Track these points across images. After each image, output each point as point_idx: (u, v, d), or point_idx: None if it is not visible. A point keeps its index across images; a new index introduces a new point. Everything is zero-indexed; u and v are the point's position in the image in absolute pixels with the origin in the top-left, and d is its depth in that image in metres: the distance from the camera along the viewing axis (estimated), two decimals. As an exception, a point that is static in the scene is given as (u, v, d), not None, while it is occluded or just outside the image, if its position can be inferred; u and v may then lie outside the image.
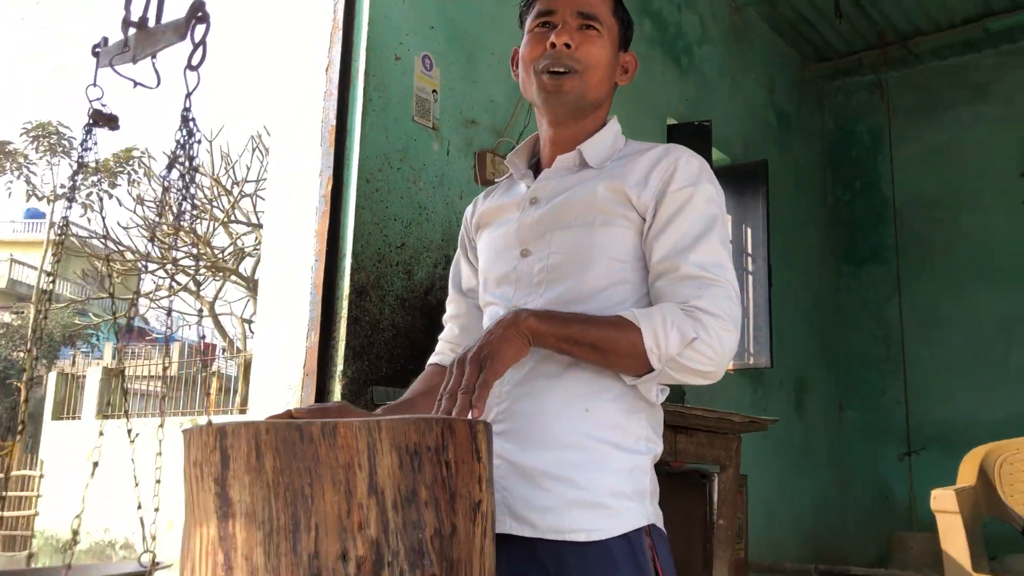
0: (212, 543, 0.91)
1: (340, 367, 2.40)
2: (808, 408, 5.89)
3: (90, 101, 1.15)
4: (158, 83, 1.19)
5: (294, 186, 2.58)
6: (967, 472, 2.97)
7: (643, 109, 4.13)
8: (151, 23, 1.14)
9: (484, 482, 1.03)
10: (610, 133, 1.47)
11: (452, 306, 1.64)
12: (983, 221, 6.01)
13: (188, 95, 0.99)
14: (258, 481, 0.90)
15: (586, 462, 1.26)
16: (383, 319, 2.53)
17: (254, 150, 13.18)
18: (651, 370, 1.23)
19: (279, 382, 2.50)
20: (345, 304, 2.44)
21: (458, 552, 0.98)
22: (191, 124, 1.01)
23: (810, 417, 5.92)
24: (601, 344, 1.23)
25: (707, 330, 1.22)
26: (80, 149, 1.25)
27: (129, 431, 1.53)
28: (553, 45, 1.40)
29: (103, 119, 1.22)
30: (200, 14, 1.07)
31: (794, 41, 6.08)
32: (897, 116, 6.43)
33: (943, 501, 2.72)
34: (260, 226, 12.26)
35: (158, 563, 1.32)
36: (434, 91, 2.81)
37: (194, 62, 0.99)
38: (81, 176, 1.40)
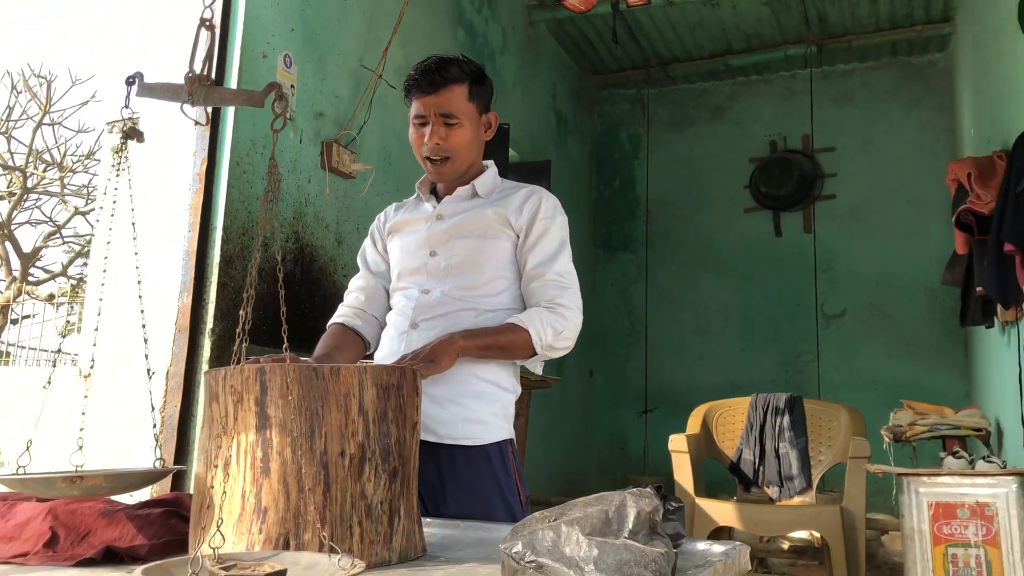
0: (252, 445, 1.29)
1: (210, 325, 2.70)
2: (565, 372, 6.65)
3: (123, 120, 1.44)
4: (207, 122, 1.49)
5: (168, 165, 2.82)
6: (694, 423, 3.73)
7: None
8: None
9: (418, 409, 1.48)
10: (491, 174, 1.99)
11: (361, 281, 2.08)
12: (714, 222, 7.01)
13: (272, 156, 1.33)
14: (287, 404, 1.30)
15: (475, 394, 1.78)
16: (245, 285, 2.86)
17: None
18: (535, 355, 1.78)
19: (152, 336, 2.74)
20: (215, 271, 2.73)
21: (406, 452, 1.43)
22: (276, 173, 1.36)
23: (566, 380, 6.69)
24: (506, 346, 1.78)
25: (567, 320, 1.79)
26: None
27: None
28: (426, 142, 1.89)
29: (134, 134, 1.52)
30: (280, 94, 1.40)
31: (575, 55, 6.76)
32: (653, 127, 7.31)
33: (677, 443, 3.44)
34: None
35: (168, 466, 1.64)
36: (292, 86, 3.12)
37: (276, 127, 1.34)
38: None
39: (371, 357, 2.06)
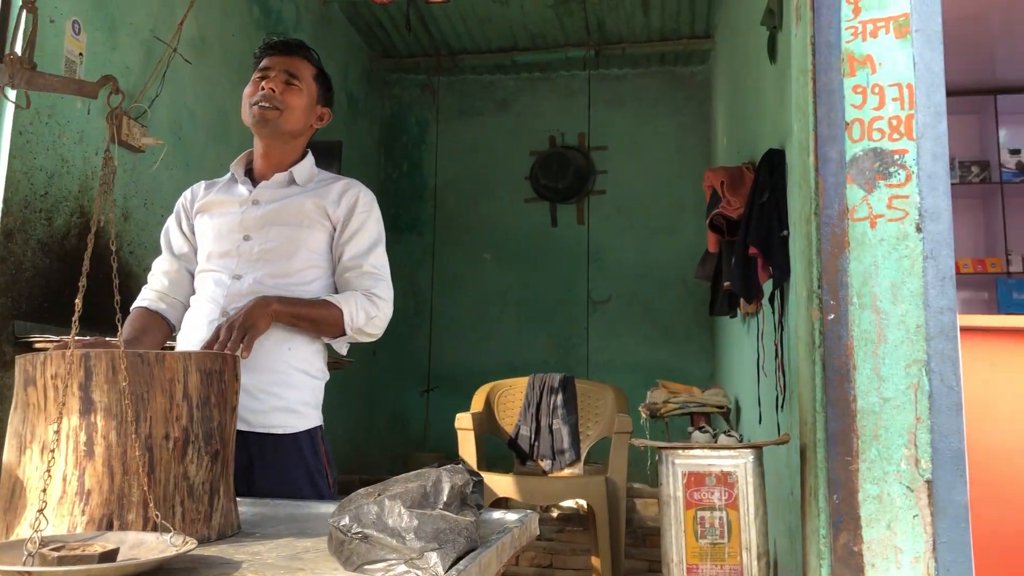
0: (75, 429, 1.31)
1: (-16, 300, 2.54)
2: (349, 353, 6.68)
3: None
4: (27, 105, 1.42)
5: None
6: (477, 401, 3.94)
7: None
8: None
9: (237, 394, 1.54)
10: (309, 162, 2.03)
11: (165, 264, 2.04)
12: (497, 210, 7.29)
13: (108, 146, 1.30)
14: (113, 388, 1.32)
15: (286, 382, 1.83)
16: (26, 261, 2.69)
17: None
18: (344, 334, 1.85)
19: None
20: (-8, 244, 2.57)
21: (226, 435, 1.49)
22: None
23: (350, 358, 6.72)
24: (318, 320, 1.82)
25: (379, 309, 1.87)
26: None
27: None
28: (263, 88, 1.92)
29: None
30: (117, 88, 1.36)
31: (367, 37, 6.76)
32: (441, 114, 7.47)
33: (462, 421, 3.63)
34: None
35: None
36: (80, 54, 2.97)
37: (111, 122, 1.32)
38: None
39: (175, 340, 2.06)
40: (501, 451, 4.00)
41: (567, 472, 3.72)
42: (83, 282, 1.36)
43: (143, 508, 1.33)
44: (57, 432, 1.31)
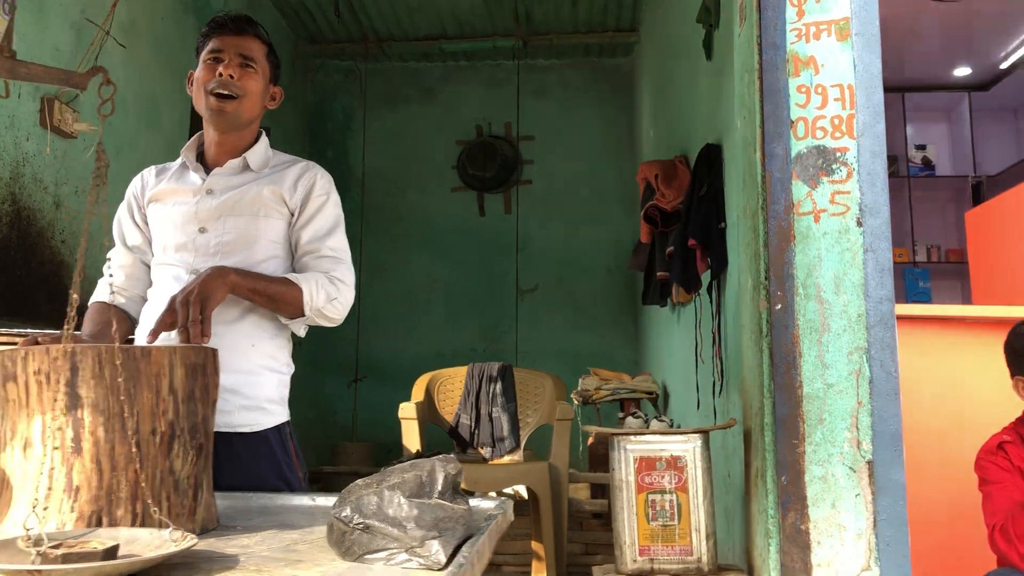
0: (60, 426, 1.28)
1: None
2: (276, 341, 6.59)
3: None
4: (7, 94, 1.35)
5: None
6: (418, 391, 3.95)
7: (180, 73, 4.37)
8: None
9: (217, 388, 1.53)
10: (263, 145, 1.97)
11: (120, 258, 1.97)
12: (425, 199, 7.27)
13: (99, 141, 1.26)
14: (100, 384, 1.30)
15: (251, 381, 1.80)
16: (-44, 249, 2.58)
17: None
18: (303, 315, 1.81)
19: None
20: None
21: (208, 429, 1.48)
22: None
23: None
24: (275, 296, 1.77)
25: (340, 292, 1.84)
26: None
27: None
28: (220, 74, 1.87)
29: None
30: (108, 79, 1.30)
31: (292, 22, 6.64)
32: (368, 101, 7.40)
33: (406, 411, 3.63)
34: None
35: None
36: (7, 30, 2.84)
37: (104, 111, 1.27)
38: None
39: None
40: (441, 439, 4.02)
41: (507, 459, 3.77)
42: (76, 279, 1.32)
43: (131, 504, 1.31)
44: (39, 428, 1.28)
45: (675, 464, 2.42)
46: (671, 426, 4.40)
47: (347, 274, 1.92)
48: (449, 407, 3.92)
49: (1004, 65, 6.44)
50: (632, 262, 4.56)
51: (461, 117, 7.36)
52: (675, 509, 2.38)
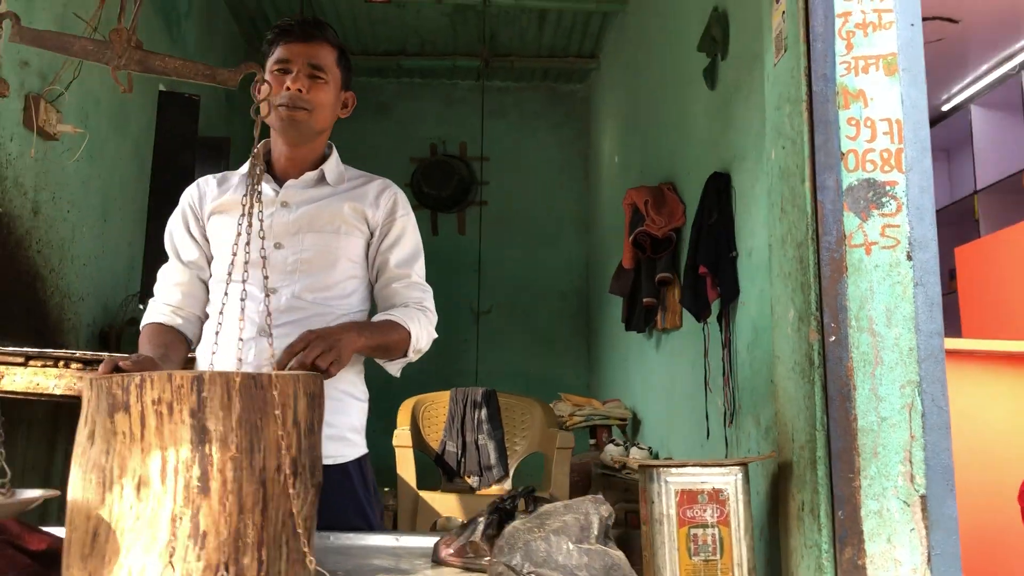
0: (185, 463, 1.14)
1: None
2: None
3: None
4: (129, 88, 1.20)
5: None
6: (404, 416, 3.80)
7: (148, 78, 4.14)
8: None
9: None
10: (336, 159, 1.85)
11: (175, 274, 1.81)
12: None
13: (256, 141, 1.13)
14: (228, 416, 1.17)
15: (337, 407, 1.67)
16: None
17: None
18: (404, 357, 1.70)
19: None
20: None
21: (321, 466, 1.35)
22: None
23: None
24: (390, 347, 1.66)
25: (432, 325, 1.74)
26: None
27: None
28: (288, 88, 1.74)
29: None
30: (262, 77, 1.15)
31: (247, 30, 6.43)
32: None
33: (401, 438, 3.48)
34: None
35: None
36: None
37: (261, 113, 1.13)
38: None
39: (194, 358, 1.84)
40: (427, 467, 3.88)
41: (496, 488, 3.66)
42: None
43: (257, 550, 1.18)
44: (158, 466, 1.14)
45: (717, 497, 2.36)
46: (651, 454, 4.38)
47: (433, 303, 1.83)
48: (434, 434, 3.79)
49: (945, 108, 6.72)
50: (613, 286, 4.53)
51: (415, 134, 7.25)
52: (717, 544, 2.32)
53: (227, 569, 1.14)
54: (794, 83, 2.44)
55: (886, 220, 2.25)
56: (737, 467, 2.44)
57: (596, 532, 1.20)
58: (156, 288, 1.86)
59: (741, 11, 3.23)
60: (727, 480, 2.41)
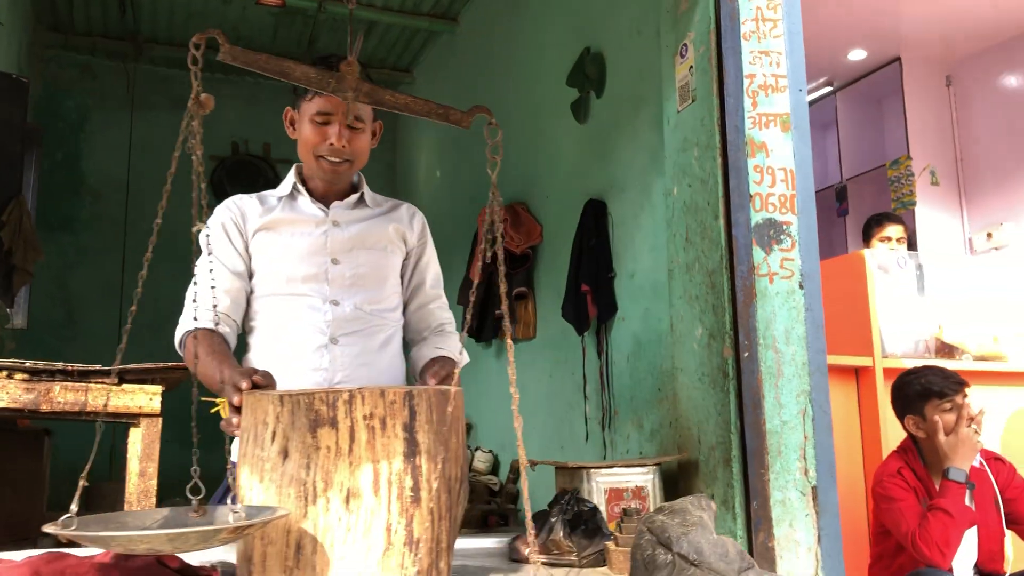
0: (398, 475, 1.20)
1: None
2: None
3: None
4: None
5: None
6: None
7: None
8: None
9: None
10: (363, 181, 1.92)
11: (224, 280, 1.76)
12: (170, 213, 6.64)
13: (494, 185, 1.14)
14: (431, 429, 1.24)
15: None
16: None
17: None
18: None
19: None
20: None
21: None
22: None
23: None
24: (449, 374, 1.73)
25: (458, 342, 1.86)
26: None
27: None
28: (332, 144, 1.78)
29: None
30: (492, 122, 1.12)
31: (37, 5, 5.84)
32: (107, 101, 6.68)
33: None
34: None
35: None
36: None
37: (495, 154, 1.14)
38: None
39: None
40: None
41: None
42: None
43: (448, 555, 1.27)
44: (370, 478, 1.20)
45: (639, 493, 2.64)
46: (494, 456, 4.60)
47: (444, 316, 1.99)
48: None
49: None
50: (460, 297, 4.69)
51: (215, 131, 6.90)
52: (641, 535, 2.59)
53: (434, 573, 1.21)
54: (705, 131, 2.78)
55: (784, 254, 2.64)
56: (655, 466, 2.73)
57: (712, 526, 1.39)
58: (199, 292, 1.78)
59: (619, 55, 3.55)
60: (647, 478, 2.69)
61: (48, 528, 1.01)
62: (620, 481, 2.64)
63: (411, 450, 1.20)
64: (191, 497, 1.14)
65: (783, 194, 2.69)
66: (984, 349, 3.67)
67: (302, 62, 1.40)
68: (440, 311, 1.94)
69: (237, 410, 1.31)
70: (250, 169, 6.77)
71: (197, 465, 1.17)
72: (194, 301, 1.81)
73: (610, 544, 1.53)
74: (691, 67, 2.89)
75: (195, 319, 1.78)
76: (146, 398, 2.09)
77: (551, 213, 4.12)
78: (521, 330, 4.22)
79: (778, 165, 2.70)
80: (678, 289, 2.90)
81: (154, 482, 2.09)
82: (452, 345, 1.87)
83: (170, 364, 2.17)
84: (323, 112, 1.78)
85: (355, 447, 1.18)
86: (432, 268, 1.96)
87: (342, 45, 5.97)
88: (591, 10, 3.81)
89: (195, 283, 1.82)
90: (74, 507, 1.06)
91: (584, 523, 1.46)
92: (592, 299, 3.42)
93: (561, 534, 1.56)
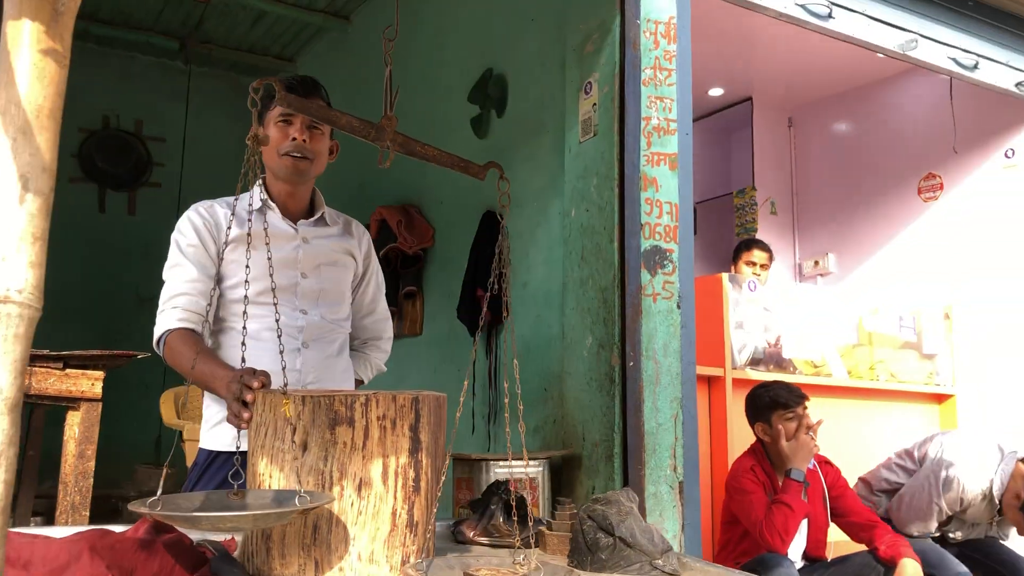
0: (403, 468, 1.41)
1: None
2: None
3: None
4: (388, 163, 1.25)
5: None
6: (169, 410, 3.70)
7: None
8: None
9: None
10: (321, 199, 2.08)
11: (199, 283, 1.87)
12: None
13: (501, 243, 1.29)
14: (429, 429, 1.46)
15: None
16: None
17: None
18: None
19: None
20: None
21: (429, 467, 1.64)
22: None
23: None
24: None
25: (386, 353, 2.12)
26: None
27: None
28: (294, 139, 1.95)
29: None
30: (503, 176, 1.28)
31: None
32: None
33: (194, 432, 3.41)
34: None
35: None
36: None
37: (503, 202, 1.31)
38: None
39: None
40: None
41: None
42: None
43: (433, 535, 1.49)
44: (379, 470, 1.40)
45: (531, 484, 2.91)
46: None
47: (391, 329, 2.23)
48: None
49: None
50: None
51: (86, 103, 6.64)
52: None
53: (428, 552, 1.42)
54: (605, 163, 3.09)
55: (666, 277, 2.99)
56: (545, 460, 3.01)
57: (639, 514, 1.67)
58: (178, 293, 1.88)
59: (522, 81, 3.80)
60: (538, 470, 2.96)
61: (134, 507, 1.14)
62: (516, 473, 2.89)
63: (415, 447, 1.40)
64: (232, 482, 1.30)
65: (668, 225, 3.04)
66: (815, 365, 4.20)
67: (345, 113, 1.55)
68: (374, 325, 2.17)
69: (244, 404, 1.46)
70: (120, 144, 6.56)
71: (237, 462, 1.32)
72: (170, 301, 1.91)
73: (544, 529, 1.78)
74: (595, 104, 3.18)
75: (179, 320, 1.89)
76: (88, 383, 2.15)
77: (443, 218, 4.32)
78: (408, 327, 4.40)
79: (665, 199, 3.04)
80: (571, 301, 3.19)
81: (92, 463, 2.16)
82: (369, 363, 2.15)
83: (115, 352, 2.23)
84: (284, 114, 1.95)
85: (368, 443, 1.37)
86: (373, 284, 2.16)
87: (230, 31, 5.89)
88: (495, 35, 4.04)
89: (171, 284, 1.92)
90: (160, 491, 1.19)
91: (518, 510, 1.70)
92: (485, 303, 3.66)
93: (501, 519, 1.79)
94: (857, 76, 5.83)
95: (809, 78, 5.99)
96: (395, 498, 1.38)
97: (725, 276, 3.92)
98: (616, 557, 1.55)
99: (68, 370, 2.15)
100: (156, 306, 5.78)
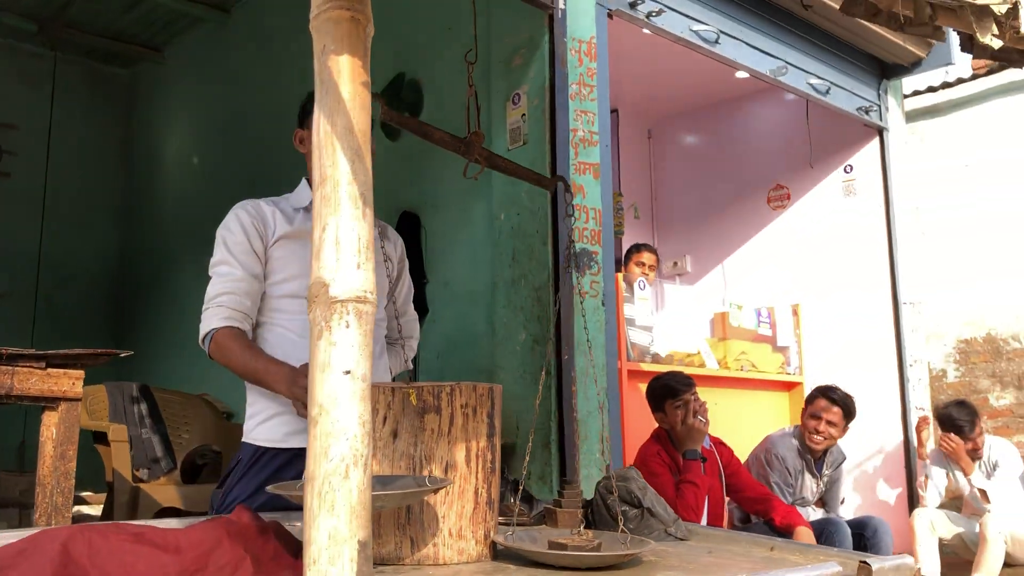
0: (483, 450, 1.53)
1: None
2: None
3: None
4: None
5: None
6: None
7: None
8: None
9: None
10: None
11: (245, 284, 1.88)
12: None
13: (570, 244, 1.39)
14: (500, 416, 1.59)
15: None
16: None
17: None
18: None
19: None
20: None
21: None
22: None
23: None
24: None
25: (413, 351, 2.18)
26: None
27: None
28: None
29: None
30: (570, 191, 1.36)
31: None
32: None
33: (119, 433, 3.25)
34: None
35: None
36: None
37: (570, 212, 1.40)
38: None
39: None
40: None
41: (163, 480, 3.64)
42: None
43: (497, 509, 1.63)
44: (463, 453, 1.53)
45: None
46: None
47: (419, 331, 2.32)
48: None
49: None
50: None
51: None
52: (476, 506, 2.99)
53: (495, 524, 1.56)
54: (536, 170, 3.26)
55: (593, 278, 3.22)
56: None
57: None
58: (224, 292, 1.87)
59: (438, 87, 3.90)
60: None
61: (273, 489, 1.20)
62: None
63: (491, 432, 1.52)
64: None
65: (593, 229, 3.26)
66: (689, 355, 4.58)
67: (439, 129, 1.63)
68: (407, 325, 2.21)
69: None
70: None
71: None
72: (215, 299, 1.90)
73: (553, 507, 1.95)
74: (523, 114, 3.36)
75: (224, 319, 1.88)
76: (69, 382, 2.09)
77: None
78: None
79: (591, 205, 3.26)
80: (502, 300, 3.34)
81: (73, 464, 2.09)
82: (400, 359, 2.21)
83: (97, 351, 2.17)
84: None
85: (453, 429, 1.48)
86: (406, 284, 2.22)
87: (103, 15, 5.58)
88: (407, 40, 4.12)
89: (216, 282, 1.92)
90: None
91: (521, 492, 1.86)
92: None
93: (512, 500, 1.94)
94: (713, 94, 6.32)
95: (667, 93, 6.43)
96: (477, 478, 1.49)
97: (620, 276, 4.20)
98: (641, 526, 1.74)
99: (50, 369, 2.07)
100: (7, 304, 5.48)
